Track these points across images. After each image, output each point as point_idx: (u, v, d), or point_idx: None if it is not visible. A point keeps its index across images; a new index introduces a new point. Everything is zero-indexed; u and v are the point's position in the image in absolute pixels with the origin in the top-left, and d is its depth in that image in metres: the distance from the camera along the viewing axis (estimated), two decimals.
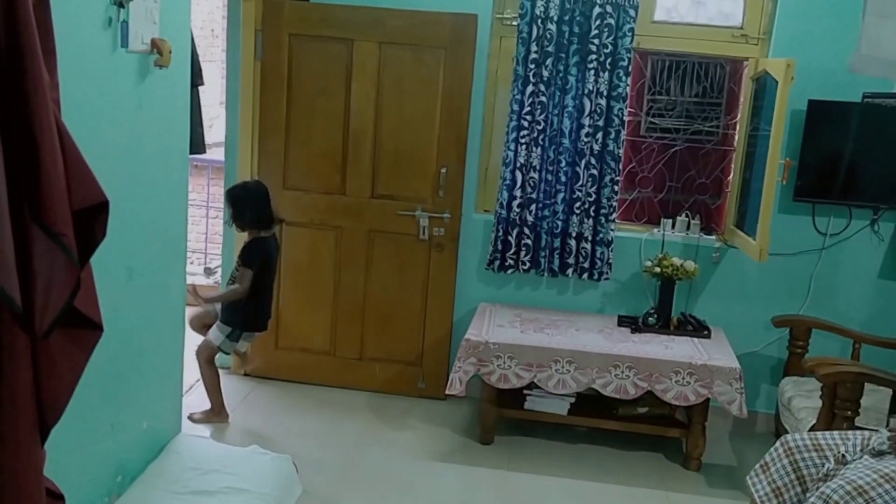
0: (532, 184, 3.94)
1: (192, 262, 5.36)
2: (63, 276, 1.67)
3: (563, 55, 3.86)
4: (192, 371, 4.13)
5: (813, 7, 3.82)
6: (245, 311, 3.67)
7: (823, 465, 2.59)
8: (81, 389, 1.83)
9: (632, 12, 3.78)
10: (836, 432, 2.75)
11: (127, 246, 2.62)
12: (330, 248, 4.12)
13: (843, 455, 2.59)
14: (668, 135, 4.18)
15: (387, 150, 4.03)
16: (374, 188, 4.08)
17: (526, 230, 4.00)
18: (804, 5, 3.83)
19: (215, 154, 4.26)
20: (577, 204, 3.95)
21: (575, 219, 3.97)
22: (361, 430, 3.81)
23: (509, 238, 4.00)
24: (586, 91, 3.85)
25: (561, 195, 3.97)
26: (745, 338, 4.04)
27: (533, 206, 3.96)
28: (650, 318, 3.87)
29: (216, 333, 3.69)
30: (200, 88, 3.89)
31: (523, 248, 4.01)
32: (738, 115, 4.10)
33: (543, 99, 3.87)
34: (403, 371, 4.21)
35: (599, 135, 3.90)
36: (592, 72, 3.82)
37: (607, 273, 4.05)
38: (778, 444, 2.75)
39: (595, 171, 3.93)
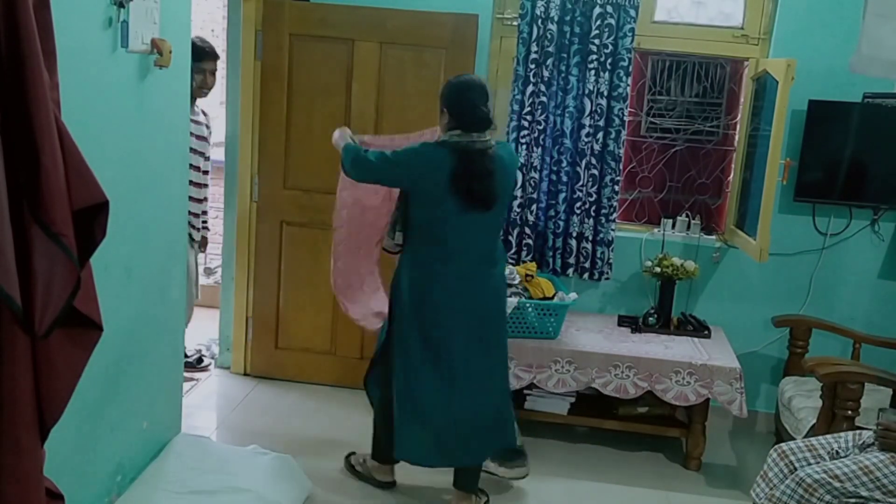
0: (533, 184, 3.94)
1: None
2: (63, 276, 1.67)
3: (564, 55, 3.86)
4: (191, 371, 4.14)
5: (813, 7, 3.82)
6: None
7: (818, 462, 2.62)
8: (81, 389, 1.84)
9: (632, 12, 3.78)
10: (828, 435, 2.79)
11: (127, 246, 2.62)
12: (330, 247, 4.11)
13: (837, 452, 2.63)
14: (669, 135, 4.18)
15: None
16: None
17: (527, 230, 4.00)
18: (804, 5, 3.83)
19: (215, 154, 4.26)
20: (578, 204, 3.95)
21: (575, 219, 3.97)
22: (362, 429, 3.80)
23: (510, 238, 4.00)
24: (587, 91, 3.85)
25: (562, 195, 3.97)
26: (745, 338, 4.04)
27: (534, 206, 3.96)
28: (650, 318, 3.87)
29: None
30: None
31: (524, 248, 4.01)
32: (739, 116, 4.10)
33: (544, 99, 3.87)
34: None
35: (600, 135, 3.90)
36: (593, 72, 3.82)
37: (608, 273, 4.05)
38: (772, 451, 2.79)
39: (595, 171, 3.93)
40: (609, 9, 3.77)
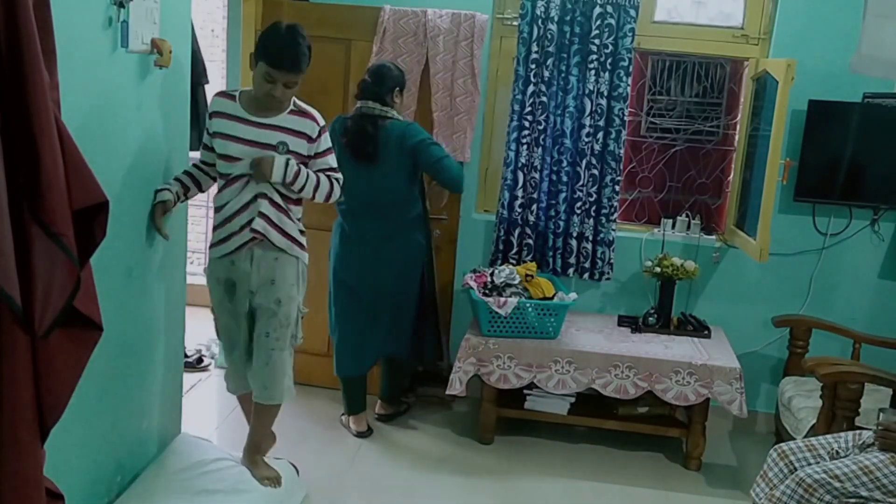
0: (533, 184, 3.94)
1: (192, 262, 5.36)
2: (63, 276, 1.67)
3: (564, 55, 3.86)
4: (191, 371, 4.14)
5: (813, 7, 3.82)
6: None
7: (818, 462, 2.63)
8: (81, 389, 1.84)
9: (632, 12, 3.77)
10: (828, 435, 2.79)
11: (127, 246, 2.62)
12: (327, 249, 4.10)
13: (837, 452, 2.64)
14: (669, 135, 4.18)
15: None
16: None
17: (527, 230, 4.00)
18: (804, 5, 3.83)
19: None
20: (578, 204, 3.95)
21: (576, 219, 3.97)
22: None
23: (510, 238, 4.00)
24: (587, 91, 3.85)
25: (562, 195, 3.97)
26: (745, 338, 4.04)
27: (534, 207, 3.96)
28: (650, 318, 3.87)
29: None
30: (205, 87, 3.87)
31: (524, 248, 4.01)
32: (739, 116, 4.10)
33: (544, 99, 3.87)
34: None
35: (600, 135, 3.90)
36: (593, 72, 3.82)
37: (608, 273, 4.05)
38: (772, 451, 2.79)
39: (596, 171, 3.93)
40: (609, 9, 3.76)
